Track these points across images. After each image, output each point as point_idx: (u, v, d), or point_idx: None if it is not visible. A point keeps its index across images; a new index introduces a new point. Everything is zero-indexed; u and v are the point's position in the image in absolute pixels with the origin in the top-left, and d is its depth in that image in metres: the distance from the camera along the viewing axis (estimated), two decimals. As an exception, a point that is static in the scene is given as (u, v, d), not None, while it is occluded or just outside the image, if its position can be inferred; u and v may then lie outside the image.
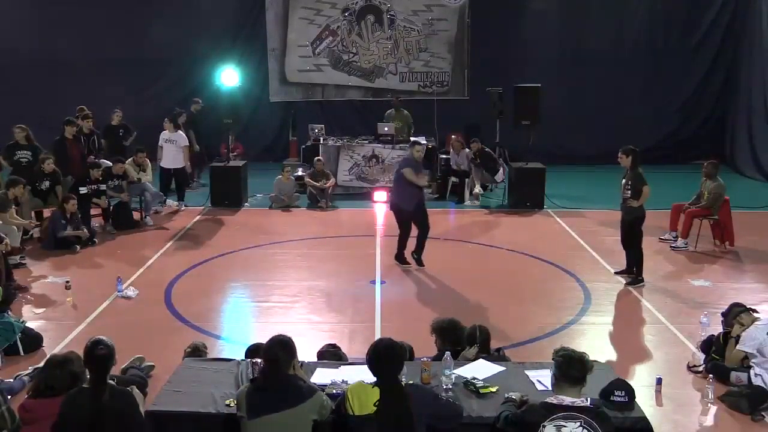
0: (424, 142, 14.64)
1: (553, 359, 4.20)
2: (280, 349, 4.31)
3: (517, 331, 7.60)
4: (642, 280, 9.11)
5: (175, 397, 4.83)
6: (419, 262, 9.73)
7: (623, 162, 8.92)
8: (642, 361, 7.05)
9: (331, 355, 6.01)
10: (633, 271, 9.21)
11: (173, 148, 13.15)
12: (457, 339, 5.73)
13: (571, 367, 4.07)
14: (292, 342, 4.40)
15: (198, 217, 12.59)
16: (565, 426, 3.94)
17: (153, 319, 7.99)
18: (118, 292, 8.58)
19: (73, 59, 16.73)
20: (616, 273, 9.44)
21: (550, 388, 4.40)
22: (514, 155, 14.82)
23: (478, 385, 4.86)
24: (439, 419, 4.35)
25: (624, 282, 9.15)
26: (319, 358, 5.90)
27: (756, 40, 16.13)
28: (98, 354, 4.41)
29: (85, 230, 10.70)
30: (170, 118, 13.45)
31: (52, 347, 7.01)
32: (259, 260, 10.26)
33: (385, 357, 4.29)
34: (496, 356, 5.67)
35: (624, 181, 8.97)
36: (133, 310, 8.24)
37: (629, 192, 8.86)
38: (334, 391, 4.67)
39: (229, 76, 13.55)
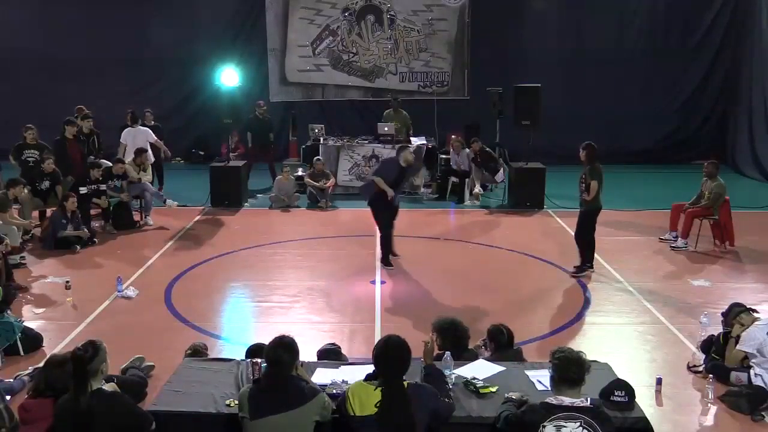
0: (423, 141, 14.79)
1: (550, 362, 4.19)
2: (283, 351, 4.31)
3: (517, 331, 7.53)
4: (589, 268, 9.41)
5: (175, 397, 4.83)
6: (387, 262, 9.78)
7: (581, 157, 9.25)
8: (642, 361, 7.05)
9: (331, 354, 6.01)
10: (591, 265, 9.49)
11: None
12: (458, 338, 5.74)
13: (569, 370, 4.06)
14: (295, 343, 4.40)
15: (198, 217, 12.59)
16: (565, 426, 3.94)
17: (153, 319, 7.99)
18: (118, 292, 8.59)
19: (73, 59, 16.75)
20: (574, 271, 9.51)
21: (550, 388, 4.40)
22: (514, 155, 14.84)
23: (478, 385, 4.86)
24: (438, 417, 4.35)
25: (623, 282, 9.16)
26: (319, 358, 5.90)
27: (756, 40, 16.14)
28: (75, 354, 4.37)
29: (86, 230, 10.70)
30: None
31: (52, 347, 7.01)
32: (259, 260, 10.26)
33: (394, 356, 4.28)
34: (513, 352, 5.70)
35: (581, 175, 9.28)
36: (133, 310, 8.24)
37: (583, 186, 9.16)
38: (335, 391, 4.67)
39: (229, 76, 13.56)
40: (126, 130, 13.45)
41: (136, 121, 13.53)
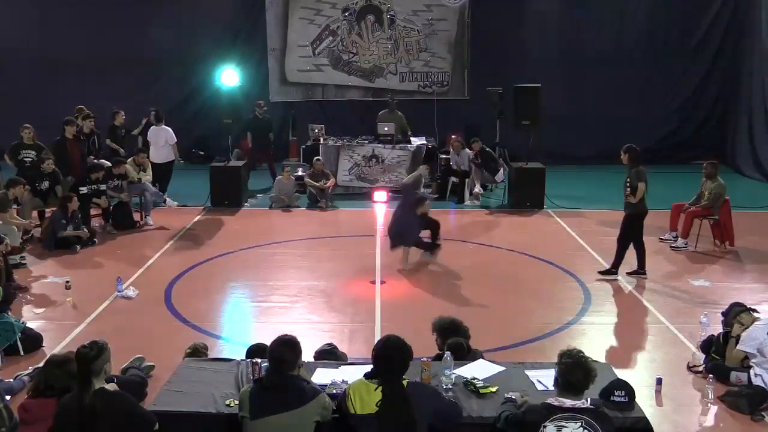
0: (423, 142, 14.78)
1: (557, 363, 4.13)
2: (286, 349, 4.31)
3: (517, 331, 7.60)
4: (644, 273, 9.30)
5: (175, 397, 4.83)
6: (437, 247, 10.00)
7: (623, 160, 9.18)
8: (642, 361, 7.06)
9: (328, 355, 6.01)
10: (644, 270, 9.35)
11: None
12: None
13: (574, 375, 4.01)
14: (299, 343, 4.40)
15: (198, 217, 12.59)
16: (565, 426, 3.93)
17: (153, 319, 7.99)
18: (118, 292, 8.58)
19: (73, 59, 16.74)
20: (628, 273, 9.39)
21: (550, 388, 4.39)
22: (514, 155, 14.84)
23: (478, 385, 4.86)
24: (441, 418, 4.34)
25: (623, 283, 9.16)
26: (316, 358, 5.89)
27: (756, 40, 16.13)
28: (80, 352, 4.38)
29: (86, 230, 10.70)
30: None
31: (52, 347, 7.01)
32: (259, 260, 10.26)
33: (393, 356, 4.28)
34: (472, 355, 5.64)
35: (625, 178, 9.20)
36: (133, 310, 8.24)
37: (629, 189, 9.07)
38: (335, 391, 4.67)
39: (229, 76, 13.56)
40: (151, 128, 13.62)
41: (161, 119, 13.69)
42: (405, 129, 15.10)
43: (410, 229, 9.72)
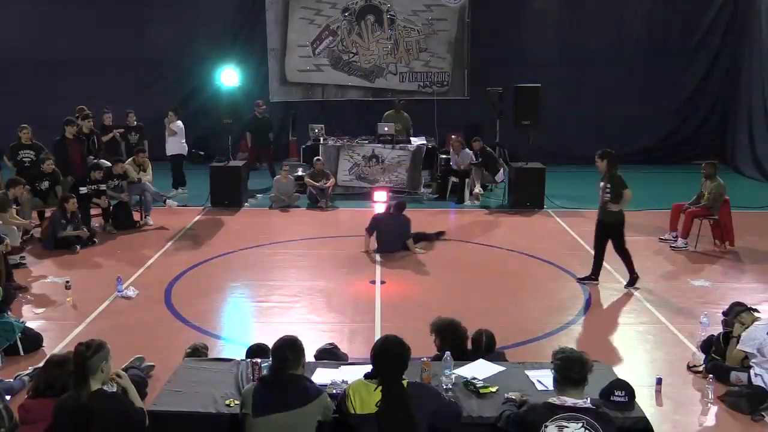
0: (423, 142, 14.79)
1: (552, 362, 4.17)
2: (288, 349, 4.32)
3: (517, 331, 7.59)
4: (637, 278, 9.04)
5: (175, 397, 4.83)
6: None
7: (599, 166, 8.87)
8: (642, 361, 7.05)
9: (329, 355, 6.01)
10: (597, 277, 9.10)
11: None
12: (457, 339, 5.73)
13: (571, 369, 4.04)
14: (301, 343, 4.41)
15: (198, 217, 12.59)
16: (567, 426, 3.93)
17: (153, 319, 7.99)
18: (118, 292, 8.58)
19: (73, 59, 16.75)
20: (578, 280, 9.20)
21: (550, 388, 4.39)
22: (514, 155, 14.84)
23: (478, 385, 4.86)
24: (440, 418, 4.35)
25: (623, 284, 9.15)
26: (316, 358, 5.90)
27: (756, 40, 16.14)
28: (76, 349, 4.37)
29: (85, 230, 10.69)
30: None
31: (52, 347, 7.01)
32: (259, 260, 10.26)
33: (392, 356, 4.28)
34: (495, 355, 5.68)
35: (602, 184, 8.88)
36: (133, 310, 8.24)
37: (609, 195, 8.77)
38: (335, 391, 4.67)
39: (229, 76, 13.58)
40: (177, 122, 14.12)
41: (181, 116, 14.36)
42: (409, 130, 15.11)
43: (397, 242, 10.57)
